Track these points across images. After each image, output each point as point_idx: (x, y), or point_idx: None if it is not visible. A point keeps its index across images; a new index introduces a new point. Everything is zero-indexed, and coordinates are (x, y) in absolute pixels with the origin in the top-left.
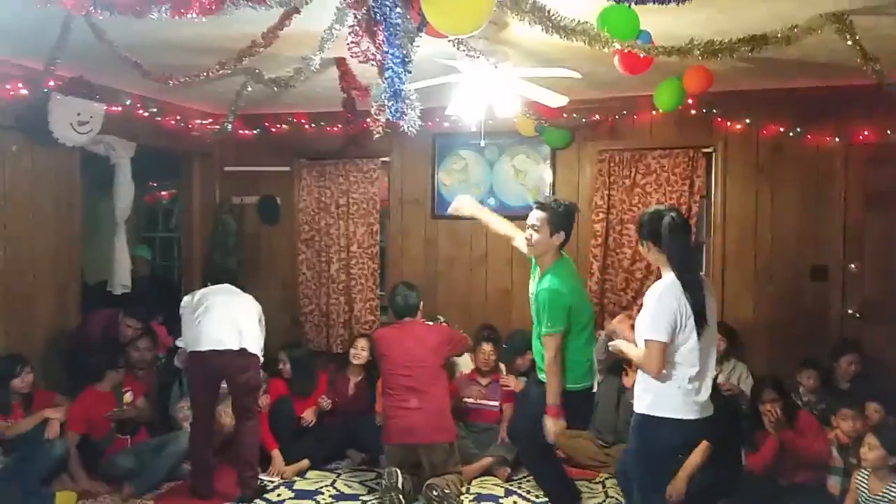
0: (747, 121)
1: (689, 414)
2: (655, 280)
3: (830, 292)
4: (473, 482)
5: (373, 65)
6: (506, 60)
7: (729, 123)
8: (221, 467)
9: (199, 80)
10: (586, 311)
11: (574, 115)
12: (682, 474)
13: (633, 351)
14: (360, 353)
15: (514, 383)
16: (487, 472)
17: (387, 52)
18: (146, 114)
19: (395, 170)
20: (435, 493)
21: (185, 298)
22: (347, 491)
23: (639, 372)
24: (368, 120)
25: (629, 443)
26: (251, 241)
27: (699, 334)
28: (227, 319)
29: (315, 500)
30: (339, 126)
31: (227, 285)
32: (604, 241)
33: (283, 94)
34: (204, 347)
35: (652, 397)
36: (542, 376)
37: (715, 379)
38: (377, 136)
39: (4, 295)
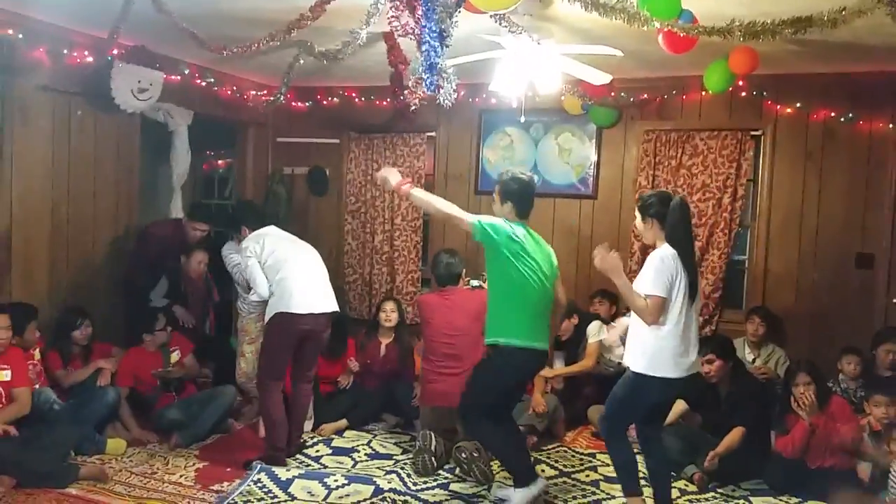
0: (798, 104)
1: (678, 373)
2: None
3: (875, 281)
4: None
5: (411, 38)
6: (549, 37)
7: (779, 107)
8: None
9: (252, 52)
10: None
11: (622, 93)
12: (717, 451)
13: (621, 280)
14: (389, 315)
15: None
16: None
17: (424, 27)
18: (203, 83)
19: (440, 145)
20: (464, 455)
21: (248, 244)
22: (382, 451)
23: (632, 332)
24: (406, 92)
25: (617, 390)
26: (300, 210)
27: (689, 303)
28: (314, 280)
29: (351, 457)
30: (387, 100)
31: (285, 232)
32: None
33: (334, 67)
34: (303, 310)
35: (648, 359)
36: (491, 339)
37: (752, 362)
38: (414, 108)
39: (67, 251)
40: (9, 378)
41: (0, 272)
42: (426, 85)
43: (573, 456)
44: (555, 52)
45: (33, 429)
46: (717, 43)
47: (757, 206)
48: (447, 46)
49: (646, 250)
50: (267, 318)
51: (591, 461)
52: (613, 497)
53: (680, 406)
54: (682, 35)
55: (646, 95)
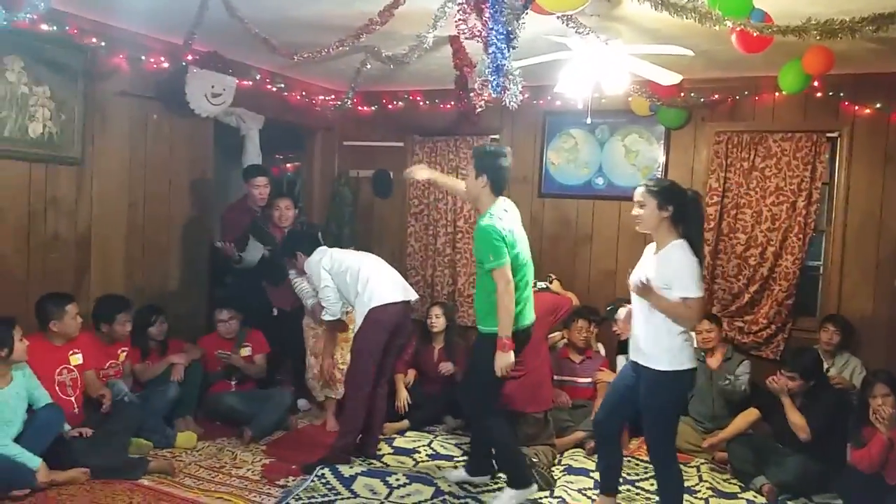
0: (877, 105)
1: (694, 362)
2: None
3: None
4: (566, 454)
5: (478, 41)
6: (617, 37)
7: (857, 107)
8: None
9: (322, 57)
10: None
11: (692, 94)
12: (721, 435)
13: (664, 302)
14: (435, 321)
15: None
16: (580, 445)
17: (492, 29)
18: (274, 88)
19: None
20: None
21: (317, 270)
22: (443, 451)
23: (645, 332)
24: (471, 94)
25: (650, 401)
26: (364, 212)
27: None
28: (392, 272)
29: (412, 457)
30: (452, 103)
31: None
32: (717, 225)
33: (399, 71)
34: (399, 298)
35: (670, 355)
36: (481, 327)
37: (826, 371)
38: (479, 109)
39: (143, 251)
40: (81, 361)
41: (80, 271)
42: (492, 87)
43: (637, 464)
44: (623, 52)
45: (108, 422)
46: (790, 42)
47: (832, 210)
48: (514, 48)
49: (716, 256)
50: (360, 322)
51: None
52: None
53: (752, 415)
54: (755, 35)
55: (717, 96)
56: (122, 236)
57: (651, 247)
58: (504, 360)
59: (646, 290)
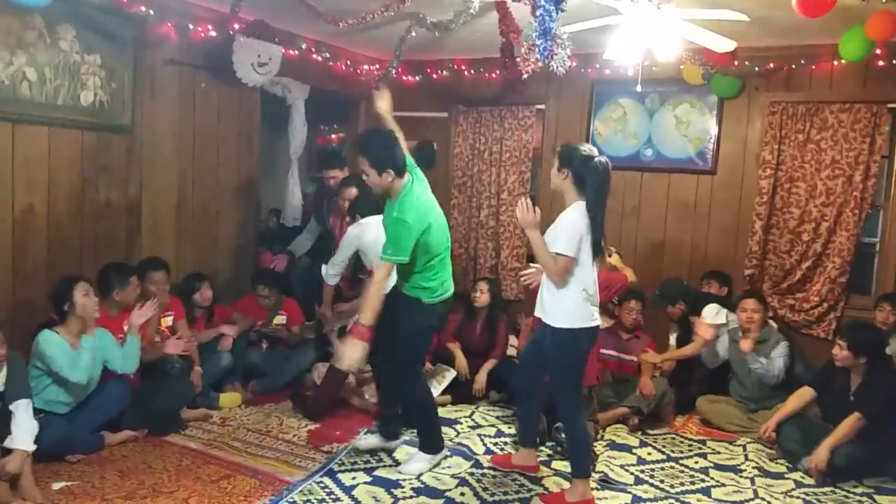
0: None
1: (594, 321)
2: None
3: None
4: (608, 430)
5: (525, 3)
6: (669, 1)
7: None
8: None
9: (366, 23)
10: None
11: (746, 62)
12: (826, 443)
13: (538, 244)
14: (479, 296)
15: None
16: (623, 421)
17: None
18: (319, 58)
19: (549, 117)
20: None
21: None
22: (483, 423)
23: (547, 290)
24: (518, 59)
25: (551, 357)
26: None
27: (593, 260)
28: None
29: (454, 428)
30: (497, 72)
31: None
32: (769, 199)
33: (444, 39)
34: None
35: (567, 313)
36: (406, 290)
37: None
38: (526, 75)
39: (192, 218)
40: (171, 322)
41: (131, 237)
42: (539, 51)
43: (681, 442)
44: (675, 17)
45: (155, 383)
46: (852, 6)
47: (891, 185)
48: (562, 10)
49: (768, 230)
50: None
51: (700, 447)
52: (723, 485)
53: (806, 394)
54: None
55: (772, 65)
56: (171, 203)
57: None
58: (352, 349)
59: (528, 221)
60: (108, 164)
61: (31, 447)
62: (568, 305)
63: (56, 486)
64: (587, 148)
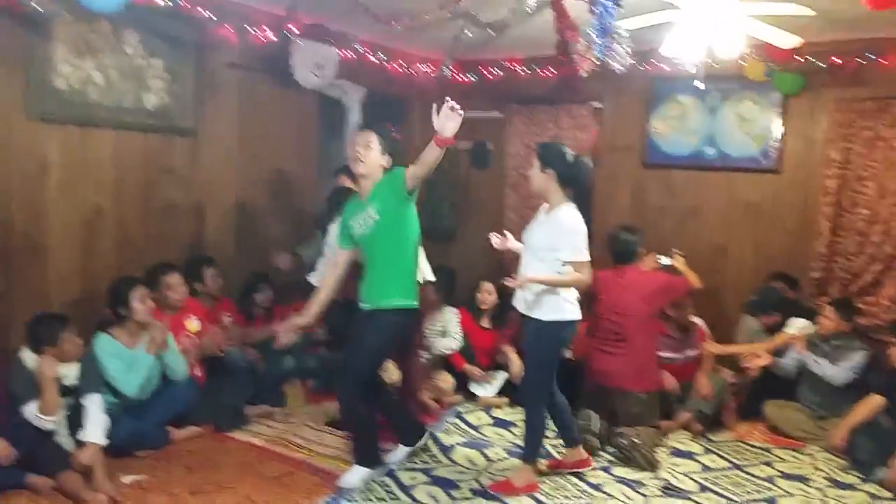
0: None
1: (577, 314)
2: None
3: None
4: (671, 437)
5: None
6: None
7: None
8: None
9: (421, 23)
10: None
11: (810, 58)
12: (845, 423)
13: (557, 277)
14: (485, 297)
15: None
16: (687, 427)
17: None
18: (375, 60)
19: (606, 115)
20: (624, 441)
21: None
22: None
23: (537, 288)
24: (575, 56)
25: (530, 348)
26: (461, 184)
27: None
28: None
29: (511, 430)
30: (552, 70)
31: None
32: (837, 199)
33: (498, 38)
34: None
35: (550, 306)
36: (368, 304)
37: None
38: (584, 73)
39: (252, 220)
40: (198, 327)
41: (194, 238)
42: (597, 49)
43: (747, 449)
44: (737, 11)
45: (220, 380)
46: None
47: None
48: (620, 7)
49: (836, 232)
50: None
51: (766, 455)
52: (791, 495)
53: (875, 401)
54: None
55: (838, 60)
56: (232, 205)
57: (544, 207)
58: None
59: (533, 280)
60: (172, 165)
61: (103, 441)
62: (560, 299)
63: (127, 479)
64: (564, 146)
